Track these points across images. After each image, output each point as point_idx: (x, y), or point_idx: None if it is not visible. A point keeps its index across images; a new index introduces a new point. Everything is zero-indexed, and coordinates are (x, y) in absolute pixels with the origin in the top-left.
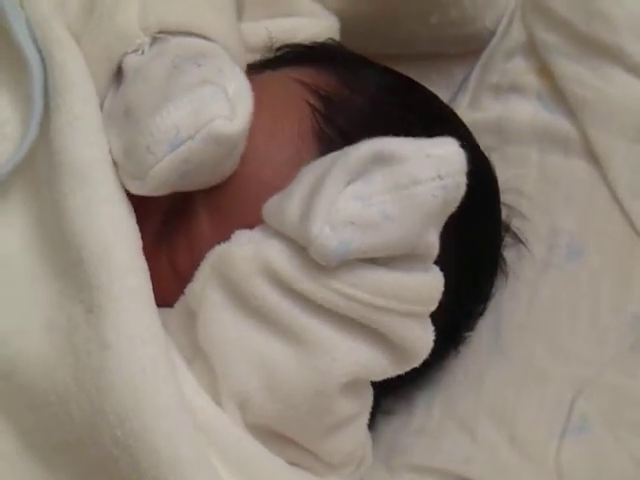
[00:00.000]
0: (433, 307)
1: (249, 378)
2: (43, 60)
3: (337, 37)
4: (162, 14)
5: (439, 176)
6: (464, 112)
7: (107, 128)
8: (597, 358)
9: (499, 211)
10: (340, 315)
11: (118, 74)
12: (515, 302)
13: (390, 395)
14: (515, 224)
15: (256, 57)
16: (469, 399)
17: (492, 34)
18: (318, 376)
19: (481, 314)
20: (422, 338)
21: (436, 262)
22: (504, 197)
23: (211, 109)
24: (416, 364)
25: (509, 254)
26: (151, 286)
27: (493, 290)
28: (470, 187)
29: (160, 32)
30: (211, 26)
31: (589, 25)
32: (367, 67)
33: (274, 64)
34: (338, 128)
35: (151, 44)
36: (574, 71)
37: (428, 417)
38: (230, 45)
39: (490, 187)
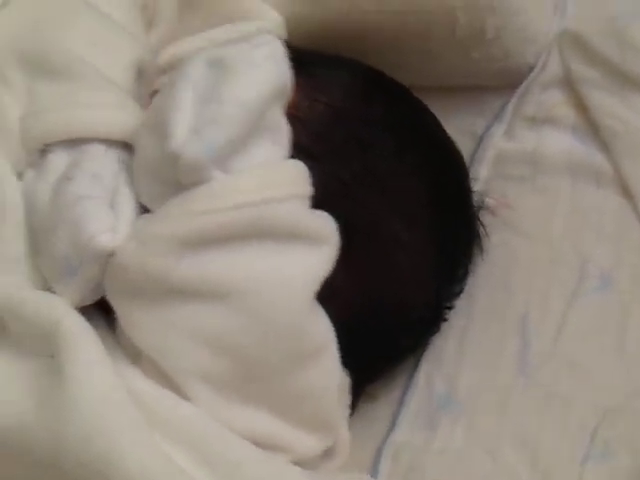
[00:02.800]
0: (305, 188)
1: (192, 354)
2: None
3: (284, 35)
4: (39, 131)
5: (271, 56)
6: (498, 142)
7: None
8: (622, 387)
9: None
10: (242, 238)
11: None
12: (542, 329)
13: (377, 378)
14: (544, 254)
15: None
16: (493, 422)
17: (531, 68)
18: (273, 313)
19: (459, 293)
20: (316, 218)
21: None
22: (533, 227)
23: (87, 230)
24: (334, 244)
25: (538, 279)
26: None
27: (521, 309)
28: (445, 180)
29: (46, 145)
30: (90, 129)
31: (623, 59)
32: (325, 66)
33: None
34: (297, 144)
35: (40, 157)
36: (607, 104)
37: (451, 439)
38: (118, 136)
39: (459, 158)
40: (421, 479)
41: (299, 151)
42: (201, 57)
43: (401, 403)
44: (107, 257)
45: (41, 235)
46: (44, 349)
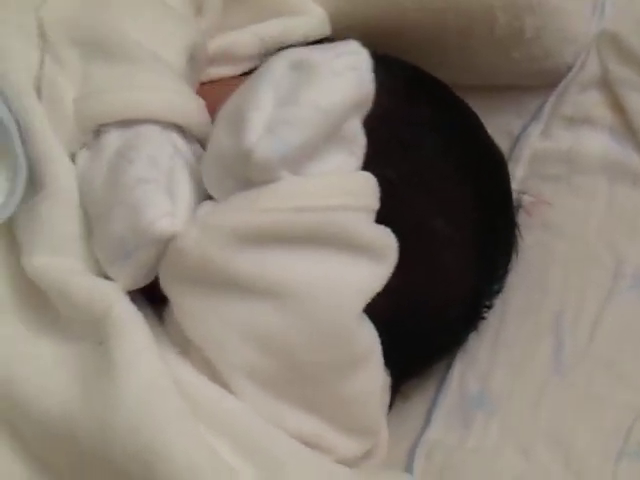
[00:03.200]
0: (373, 201)
1: (241, 350)
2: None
3: (328, 31)
4: (93, 111)
5: (354, 68)
6: (535, 141)
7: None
8: None
9: (510, 187)
10: (303, 241)
11: None
12: (577, 328)
13: (414, 377)
14: (579, 254)
15: (249, 66)
16: (527, 421)
17: (570, 68)
18: (323, 318)
19: (498, 292)
20: (380, 232)
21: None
22: (568, 227)
23: (147, 214)
24: (392, 261)
25: (573, 280)
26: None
27: (556, 308)
28: (489, 181)
29: (100, 126)
30: (146, 110)
31: None
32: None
33: None
34: None
35: (94, 138)
36: None
37: (484, 437)
38: (173, 118)
39: (502, 160)
40: (455, 477)
41: None
42: (285, 56)
43: (435, 402)
44: (165, 242)
45: (96, 216)
46: (93, 335)
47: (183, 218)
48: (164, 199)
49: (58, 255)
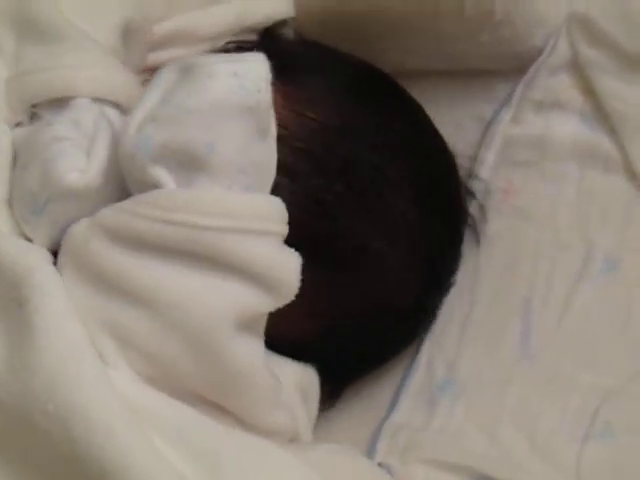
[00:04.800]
0: (275, 225)
1: (112, 349)
2: None
3: (291, 12)
4: (23, 92)
5: (235, 74)
6: (506, 126)
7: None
8: (625, 370)
9: (459, 192)
10: (182, 256)
11: None
12: (546, 312)
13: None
14: (549, 239)
15: (205, 47)
16: (493, 403)
17: (540, 52)
18: (188, 333)
19: (450, 287)
20: (276, 257)
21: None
22: (539, 212)
23: (57, 167)
24: (290, 292)
25: (543, 263)
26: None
27: (525, 293)
28: (428, 163)
29: (33, 107)
30: (73, 87)
31: (632, 42)
32: (317, 71)
33: None
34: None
35: (30, 120)
36: (615, 88)
37: (449, 418)
38: (102, 93)
39: (448, 163)
40: (418, 456)
41: (279, 168)
42: (177, 63)
43: (401, 386)
44: (74, 197)
45: (14, 175)
46: (15, 298)
47: (93, 175)
48: (78, 156)
49: None
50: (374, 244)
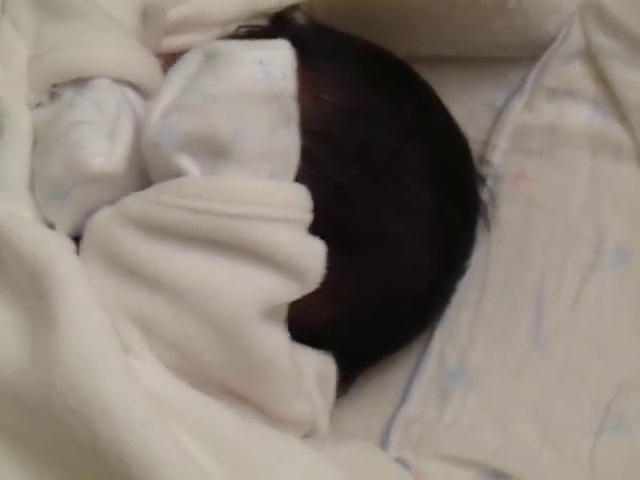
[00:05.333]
0: (299, 213)
1: (138, 339)
2: None
3: None
4: (44, 71)
5: (260, 62)
6: (518, 114)
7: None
8: (637, 361)
9: (473, 175)
10: (208, 244)
11: None
12: (557, 302)
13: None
14: (561, 228)
15: (218, 33)
16: (505, 394)
17: (553, 39)
18: (214, 322)
19: (464, 271)
20: (301, 245)
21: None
22: (551, 201)
23: (82, 152)
24: (315, 280)
25: (555, 254)
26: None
27: (537, 282)
28: (443, 147)
29: (54, 86)
30: (95, 66)
31: None
32: (331, 54)
33: None
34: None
35: (51, 99)
36: (628, 76)
37: (462, 410)
38: (123, 73)
39: (462, 148)
40: (432, 450)
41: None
42: (202, 47)
43: (413, 375)
44: (99, 182)
45: (37, 159)
46: (35, 289)
47: (118, 160)
48: (102, 140)
49: (5, 200)
50: (391, 227)
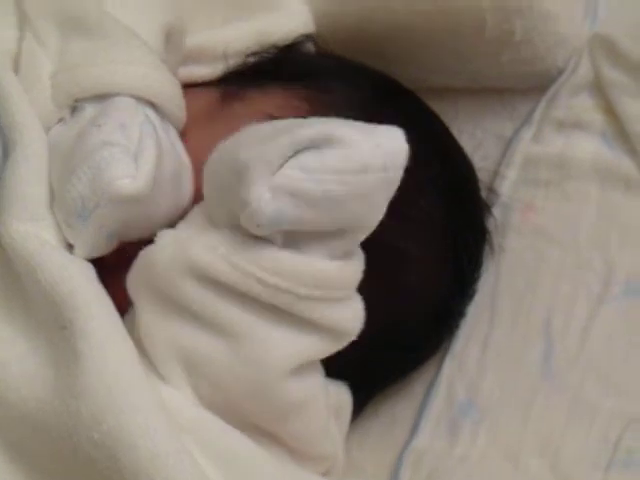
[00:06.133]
0: (354, 289)
1: (178, 374)
2: None
3: (311, 29)
4: (69, 85)
5: (384, 167)
6: (526, 145)
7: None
8: None
9: (479, 197)
10: (267, 305)
11: None
12: (567, 334)
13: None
14: (569, 260)
15: (222, 67)
16: (515, 428)
17: (561, 72)
18: (253, 367)
19: (471, 297)
20: (350, 317)
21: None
22: (559, 232)
23: (109, 173)
24: (352, 338)
25: (564, 286)
26: (108, 297)
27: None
28: (458, 193)
29: (76, 101)
30: (121, 84)
31: None
32: (340, 77)
33: (242, 79)
34: None
35: (72, 114)
36: (637, 109)
37: (472, 444)
38: (148, 94)
39: (468, 168)
40: None
41: None
42: (317, 124)
43: (422, 409)
44: (123, 204)
45: (59, 179)
46: (57, 319)
47: (143, 183)
48: (128, 162)
49: (30, 220)
50: (402, 245)
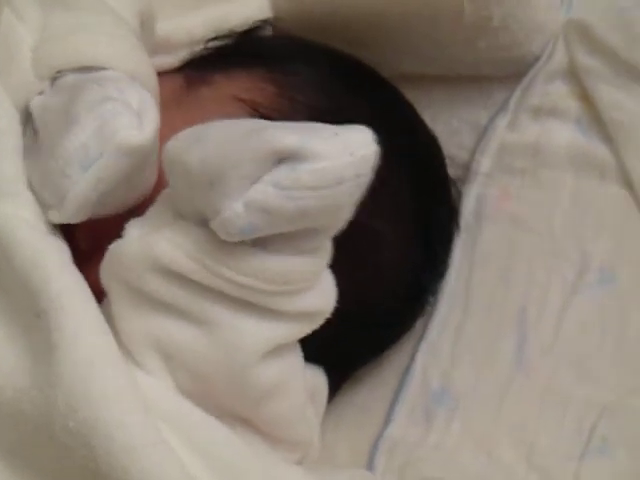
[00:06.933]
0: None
1: (156, 364)
2: None
3: (268, 13)
4: (52, 57)
5: (357, 175)
6: (502, 133)
7: (25, 162)
8: (622, 384)
9: (446, 173)
10: (237, 299)
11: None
12: (541, 324)
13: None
14: (544, 248)
15: (183, 55)
16: (489, 417)
17: (537, 58)
18: (227, 352)
19: (442, 277)
20: (322, 298)
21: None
22: (534, 220)
23: (116, 123)
24: (326, 315)
25: (538, 274)
26: (85, 283)
27: (519, 303)
28: (426, 170)
29: (58, 72)
30: (106, 56)
31: (629, 50)
32: (302, 59)
33: (205, 65)
34: None
35: (52, 85)
36: (613, 96)
37: (446, 432)
38: (131, 69)
39: (439, 164)
40: (416, 475)
41: None
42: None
43: (396, 397)
44: (127, 157)
45: (56, 132)
46: (31, 307)
47: (148, 136)
48: (134, 116)
49: (5, 196)
50: (372, 223)
